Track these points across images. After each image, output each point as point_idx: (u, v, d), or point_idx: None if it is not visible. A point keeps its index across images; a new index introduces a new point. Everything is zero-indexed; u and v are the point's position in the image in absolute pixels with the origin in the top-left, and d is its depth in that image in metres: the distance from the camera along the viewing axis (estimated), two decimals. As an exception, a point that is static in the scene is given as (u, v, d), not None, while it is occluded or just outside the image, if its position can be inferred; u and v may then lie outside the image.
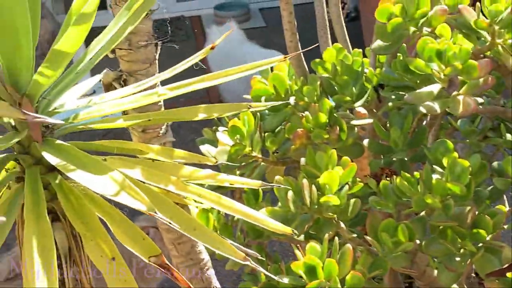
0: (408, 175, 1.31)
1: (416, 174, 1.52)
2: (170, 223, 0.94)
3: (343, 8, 4.14)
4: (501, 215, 1.31)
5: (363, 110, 1.52)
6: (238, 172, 1.64)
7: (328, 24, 1.78)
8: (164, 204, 0.97)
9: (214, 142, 1.68)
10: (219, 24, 5.51)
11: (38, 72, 0.92)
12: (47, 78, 0.93)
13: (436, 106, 1.30)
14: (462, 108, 1.27)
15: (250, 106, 1.12)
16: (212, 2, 5.77)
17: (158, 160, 1.12)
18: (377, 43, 1.41)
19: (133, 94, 1.01)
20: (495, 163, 1.43)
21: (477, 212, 1.31)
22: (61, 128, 1.02)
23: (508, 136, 1.50)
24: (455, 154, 1.33)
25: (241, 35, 4.37)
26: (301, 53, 1.62)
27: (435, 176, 1.31)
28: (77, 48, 0.90)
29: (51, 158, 0.91)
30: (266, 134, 1.58)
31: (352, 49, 1.65)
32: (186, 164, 1.40)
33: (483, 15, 1.33)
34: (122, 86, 1.15)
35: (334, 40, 1.74)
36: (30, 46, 0.93)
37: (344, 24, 1.71)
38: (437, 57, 1.28)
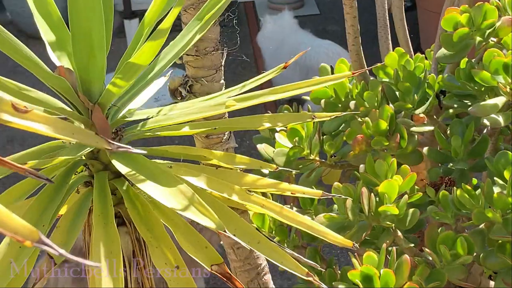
0: (468, 187, 1.30)
1: (474, 180, 1.51)
2: (234, 235, 0.95)
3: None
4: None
5: (422, 114, 1.51)
6: (294, 172, 1.65)
7: (388, 23, 1.76)
8: (228, 215, 0.98)
9: (270, 140, 1.69)
10: (273, 10, 5.52)
11: (111, 83, 0.94)
12: (119, 88, 0.94)
13: (501, 119, 1.30)
14: (527, 123, 1.26)
15: (314, 116, 1.12)
16: (266, -12, 5.77)
17: (222, 167, 1.13)
18: (442, 51, 1.40)
19: (202, 101, 1.02)
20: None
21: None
22: (129, 135, 1.03)
23: None
24: (517, 167, 1.32)
25: (294, 24, 4.36)
26: (362, 55, 1.62)
27: (495, 189, 1.30)
28: (150, 61, 0.92)
29: (120, 167, 0.93)
30: (324, 137, 1.58)
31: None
32: (247, 170, 1.42)
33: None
34: (188, 92, 1.16)
35: (393, 38, 1.72)
36: (103, 56, 0.94)
37: (406, 26, 1.70)
38: (504, 70, 1.27)
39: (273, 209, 1.06)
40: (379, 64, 1.57)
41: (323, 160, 1.59)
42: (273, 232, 1.55)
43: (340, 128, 1.60)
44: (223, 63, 1.19)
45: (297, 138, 1.52)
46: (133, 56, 0.90)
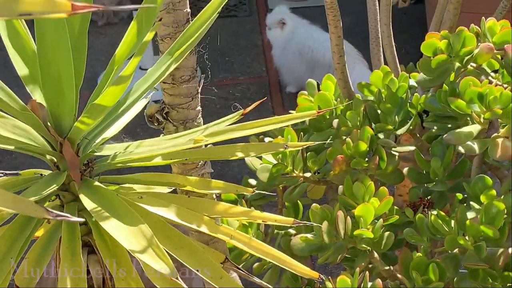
0: (442, 213, 1.32)
1: (459, 195, 1.52)
2: (197, 270, 0.98)
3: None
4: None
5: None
6: (281, 186, 1.68)
7: (381, 37, 1.77)
8: (192, 251, 1.00)
9: (260, 152, 1.70)
10: (283, 0, 5.52)
11: (79, 120, 0.96)
12: (87, 125, 0.97)
13: (476, 147, 1.31)
14: (500, 152, 1.27)
15: (287, 146, 1.14)
16: (277, -23, 5.76)
17: (195, 192, 1.16)
18: (421, 75, 1.41)
19: (169, 140, 1.05)
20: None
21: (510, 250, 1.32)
22: (100, 166, 1.06)
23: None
24: (493, 192, 1.34)
25: (293, 16, 4.33)
26: (348, 74, 1.63)
27: (470, 215, 1.32)
28: (115, 102, 0.94)
29: (87, 202, 0.96)
30: (309, 153, 1.60)
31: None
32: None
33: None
34: (164, 118, 1.19)
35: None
36: (72, 93, 0.97)
37: (393, 43, 1.71)
38: (478, 99, 1.28)
39: (241, 240, 1.09)
40: (363, 82, 1.58)
41: (308, 174, 1.61)
42: (256, 246, 1.57)
43: (326, 144, 1.62)
44: (199, 90, 1.21)
45: (280, 155, 1.54)
46: (98, 98, 0.92)
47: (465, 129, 1.31)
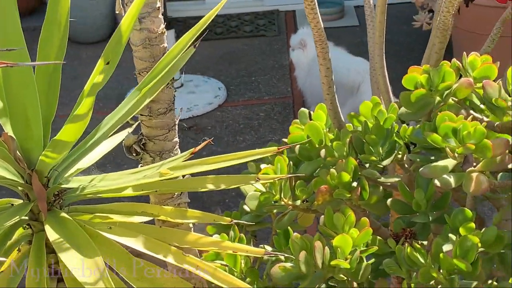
0: (418, 246, 1.34)
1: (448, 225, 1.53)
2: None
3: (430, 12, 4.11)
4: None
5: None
6: (275, 211, 1.70)
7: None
8: (155, 283, 1.04)
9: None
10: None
11: (43, 154, 1.00)
12: (52, 159, 1.01)
13: (452, 180, 1.32)
14: (474, 186, 1.28)
15: (258, 178, 1.17)
16: (308, -3, 5.79)
17: (168, 221, 1.19)
18: (403, 109, 1.43)
19: (132, 174, 1.08)
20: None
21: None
22: (70, 196, 1.10)
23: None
24: (472, 225, 1.35)
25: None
26: (337, 104, 1.66)
27: (447, 247, 1.33)
28: (76, 138, 0.98)
29: (50, 233, 1.00)
30: (298, 182, 1.62)
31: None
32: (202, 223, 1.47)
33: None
34: (142, 149, 1.22)
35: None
36: (39, 127, 1.01)
37: (386, 73, 1.72)
38: (453, 134, 1.29)
39: (207, 270, 1.11)
40: (353, 113, 1.60)
41: (298, 202, 1.63)
42: (244, 273, 1.60)
43: (316, 173, 1.64)
44: (176, 123, 1.24)
45: (268, 184, 1.57)
46: (58, 134, 0.96)
47: (441, 163, 1.32)
